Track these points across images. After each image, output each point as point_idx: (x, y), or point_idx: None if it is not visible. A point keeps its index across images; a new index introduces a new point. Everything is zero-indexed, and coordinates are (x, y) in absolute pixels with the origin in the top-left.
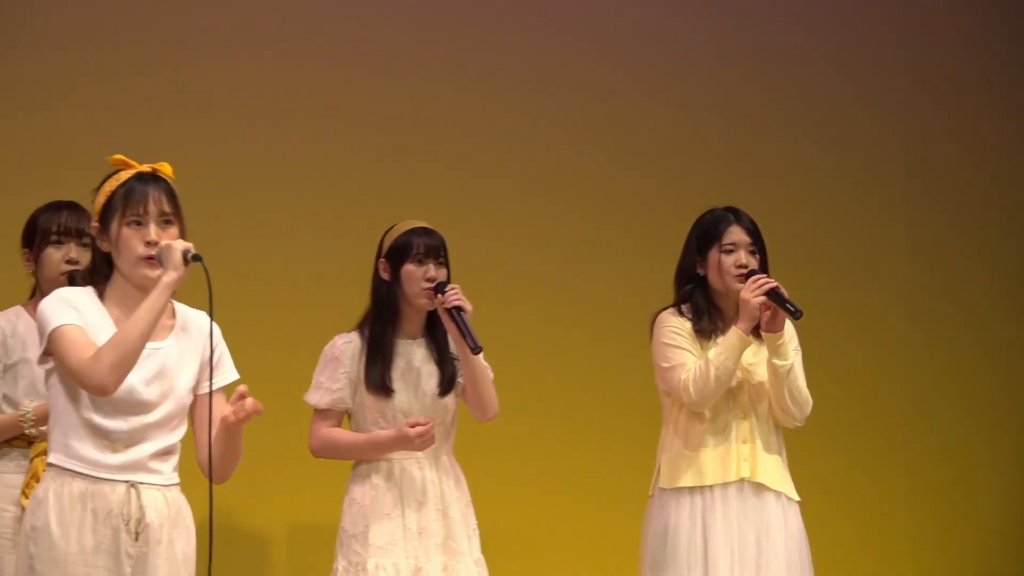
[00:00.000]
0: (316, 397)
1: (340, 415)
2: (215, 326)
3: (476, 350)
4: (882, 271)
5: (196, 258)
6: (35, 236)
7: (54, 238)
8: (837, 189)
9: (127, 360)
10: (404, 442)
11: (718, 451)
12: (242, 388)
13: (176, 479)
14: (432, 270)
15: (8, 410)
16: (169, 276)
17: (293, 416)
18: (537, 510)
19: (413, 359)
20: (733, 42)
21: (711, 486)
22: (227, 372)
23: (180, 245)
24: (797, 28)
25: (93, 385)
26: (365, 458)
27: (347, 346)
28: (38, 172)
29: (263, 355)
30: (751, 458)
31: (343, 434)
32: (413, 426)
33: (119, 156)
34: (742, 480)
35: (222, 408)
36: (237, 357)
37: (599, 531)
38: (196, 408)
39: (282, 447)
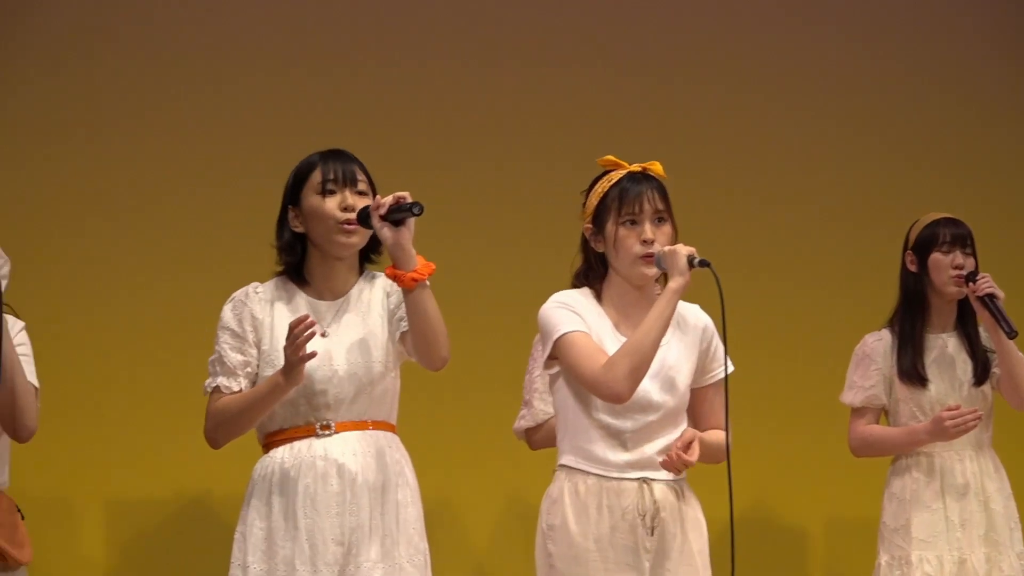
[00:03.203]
0: (850, 396)
1: (877, 412)
2: (708, 320)
3: (1012, 334)
4: None
5: (703, 263)
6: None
7: None
8: None
9: (641, 368)
10: (939, 430)
11: None
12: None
13: (684, 474)
14: (959, 258)
15: None
16: (676, 282)
17: (829, 414)
18: None
19: (946, 350)
20: None
21: None
22: (721, 367)
23: (684, 250)
24: None
25: (609, 394)
26: (904, 452)
27: (878, 343)
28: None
29: (781, 354)
30: None
31: (879, 429)
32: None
33: (610, 157)
34: None
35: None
36: (743, 359)
37: None
38: (692, 401)
39: (819, 444)
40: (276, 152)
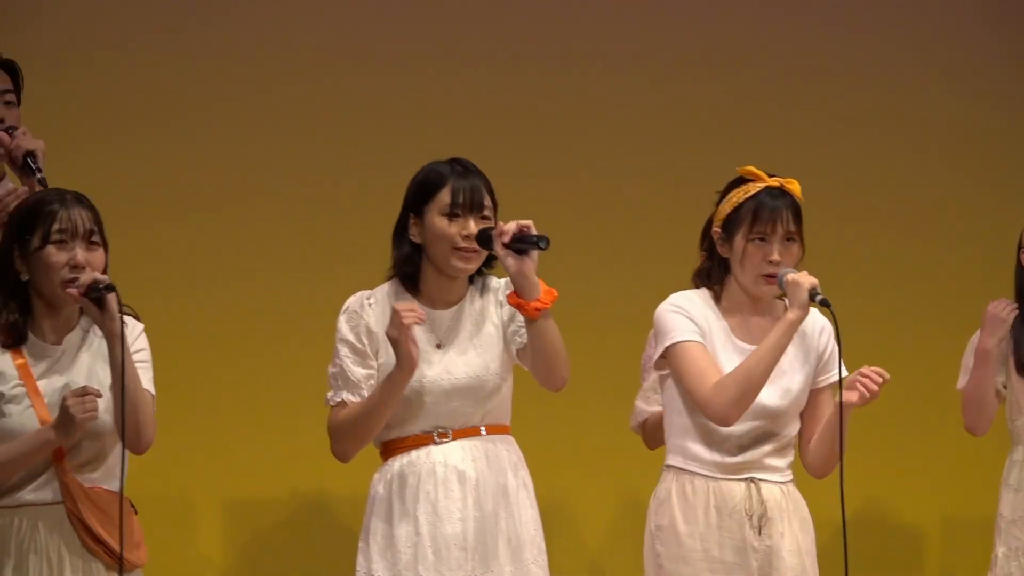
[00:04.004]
0: (963, 380)
1: None
2: (825, 321)
3: None
4: None
5: (824, 303)
6: None
7: None
8: None
9: (749, 395)
10: (987, 319)
11: None
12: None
13: (791, 475)
14: None
15: None
16: (795, 314)
17: (944, 411)
18: None
19: None
20: None
21: None
22: (835, 370)
23: (807, 283)
24: None
25: (714, 416)
26: (982, 376)
27: None
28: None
29: (895, 349)
30: None
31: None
32: None
33: (750, 168)
34: None
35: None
36: (856, 355)
37: None
38: (808, 402)
39: (934, 441)
40: (390, 153)
